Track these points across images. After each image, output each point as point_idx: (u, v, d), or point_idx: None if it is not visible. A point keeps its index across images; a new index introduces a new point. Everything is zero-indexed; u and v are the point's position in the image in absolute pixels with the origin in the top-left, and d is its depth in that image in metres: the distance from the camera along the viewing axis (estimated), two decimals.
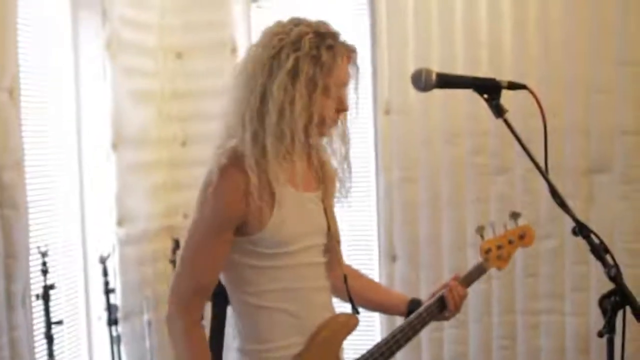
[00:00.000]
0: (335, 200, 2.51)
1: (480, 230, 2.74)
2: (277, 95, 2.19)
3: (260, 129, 2.22)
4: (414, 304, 2.71)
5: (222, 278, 2.38)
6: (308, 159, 2.42)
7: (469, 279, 2.71)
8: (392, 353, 2.57)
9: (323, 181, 2.45)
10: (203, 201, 2.31)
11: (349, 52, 2.29)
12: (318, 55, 2.21)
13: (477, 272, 2.72)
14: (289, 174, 2.29)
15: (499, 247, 2.73)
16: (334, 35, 2.27)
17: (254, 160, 2.21)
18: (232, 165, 2.23)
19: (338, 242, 2.48)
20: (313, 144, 2.39)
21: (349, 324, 2.42)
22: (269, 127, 2.20)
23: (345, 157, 2.45)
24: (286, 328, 2.34)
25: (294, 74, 2.20)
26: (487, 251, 2.73)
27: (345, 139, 2.43)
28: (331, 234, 2.44)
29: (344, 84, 2.29)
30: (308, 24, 2.26)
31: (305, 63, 2.20)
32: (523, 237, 2.76)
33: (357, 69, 2.33)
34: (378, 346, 2.56)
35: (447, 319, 2.70)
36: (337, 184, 2.47)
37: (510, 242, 2.75)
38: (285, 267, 2.31)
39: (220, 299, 2.44)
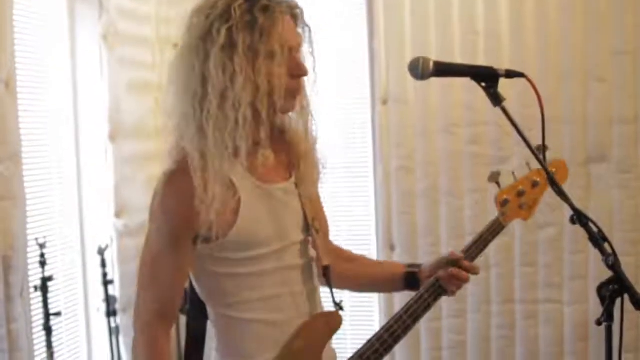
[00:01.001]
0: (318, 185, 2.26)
1: (494, 177, 2.37)
2: (215, 76, 1.98)
3: (204, 120, 2.00)
4: (410, 276, 2.42)
5: (200, 292, 2.17)
6: (275, 144, 2.12)
7: (479, 247, 2.37)
8: (395, 341, 2.34)
9: (298, 166, 2.18)
10: (152, 213, 2.13)
11: (291, 9, 2.06)
12: (252, 20, 1.98)
13: (492, 233, 2.37)
14: (251, 165, 2.06)
15: (520, 194, 2.37)
16: None
17: (197, 158, 2.00)
18: (178, 169, 2.05)
19: (324, 233, 2.26)
20: (277, 123, 2.15)
21: (329, 326, 2.17)
22: (212, 115, 1.98)
23: (307, 133, 2.17)
24: (269, 342, 2.11)
25: (229, 47, 1.98)
26: (504, 203, 2.36)
27: (304, 111, 2.16)
28: (311, 225, 2.18)
29: (292, 46, 2.04)
30: None
31: (239, 32, 1.98)
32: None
33: (308, 28, 2.11)
34: (377, 337, 2.28)
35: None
36: (318, 167, 2.22)
37: (534, 184, 2.37)
38: (261, 274, 2.09)
39: (197, 314, 2.21)
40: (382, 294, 4.30)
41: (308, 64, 2.09)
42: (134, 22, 4.44)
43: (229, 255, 2.06)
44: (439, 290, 2.34)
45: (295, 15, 2.08)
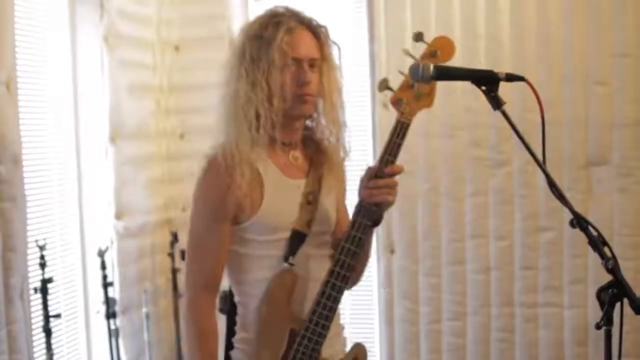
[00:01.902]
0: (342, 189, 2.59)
1: (384, 84, 2.33)
2: (230, 79, 2.38)
3: (230, 117, 2.38)
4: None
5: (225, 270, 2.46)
6: (297, 148, 2.47)
7: (392, 153, 2.28)
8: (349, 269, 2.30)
9: (322, 173, 2.49)
10: (195, 196, 2.44)
11: (302, 22, 2.36)
12: (261, 33, 2.32)
13: (399, 135, 2.29)
14: (278, 160, 2.41)
15: (411, 86, 2.27)
16: (290, 13, 2.37)
17: (231, 148, 2.33)
18: (215, 157, 2.37)
19: (324, 232, 2.46)
20: (304, 127, 2.48)
21: (285, 286, 2.36)
22: (232, 112, 2.36)
23: (340, 146, 2.51)
24: None
25: (241, 55, 2.35)
26: (398, 102, 2.28)
27: (336, 124, 2.46)
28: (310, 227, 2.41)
29: (297, 57, 2.32)
30: (276, 12, 2.38)
31: (249, 43, 2.34)
32: (435, 55, 2.26)
33: (332, 45, 2.41)
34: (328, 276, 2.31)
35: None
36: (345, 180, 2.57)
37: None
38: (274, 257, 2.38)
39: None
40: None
41: (329, 78, 2.39)
42: (135, 24, 4.44)
43: (255, 237, 2.37)
44: (364, 210, 2.30)
45: (313, 30, 2.38)
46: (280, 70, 2.31)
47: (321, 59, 2.38)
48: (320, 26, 2.40)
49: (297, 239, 2.37)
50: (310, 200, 2.42)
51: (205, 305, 2.43)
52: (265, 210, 2.34)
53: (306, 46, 2.34)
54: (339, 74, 2.44)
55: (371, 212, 2.29)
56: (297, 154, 2.46)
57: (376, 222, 2.33)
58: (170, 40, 4.66)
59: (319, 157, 2.50)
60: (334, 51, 2.43)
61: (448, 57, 2.24)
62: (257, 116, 2.31)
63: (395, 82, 2.34)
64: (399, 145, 2.28)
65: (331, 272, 2.28)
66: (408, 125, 2.28)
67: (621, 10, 3.97)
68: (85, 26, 4.12)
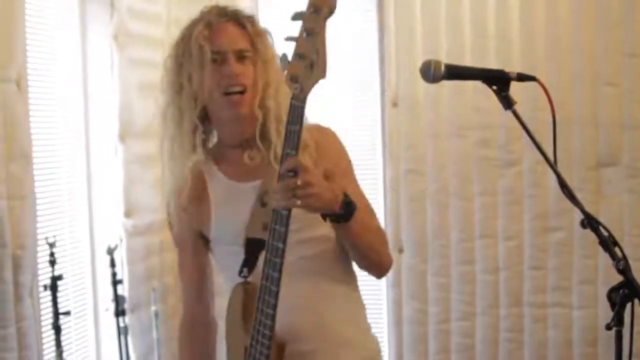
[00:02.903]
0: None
1: (284, 60, 1.95)
2: (162, 94, 2.37)
3: (166, 137, 2.37)
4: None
5: None
6: (254, 146, 2.24)
7: (288, 144, 1.95)
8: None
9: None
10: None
11: (224, 16, 2.23)
12: (182, 33, 2.28)
13: (293, 119, 1.94)
14: (226, 164, 2.31)
15: (301, 56, 1.92)
16: (212, 9, 2.26)
17: (172, 174, 2.33)
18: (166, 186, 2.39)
19: (295, 230, 2.08)
20: (241, 128, 2.25)
21: (237, 300, 2.27)
22: (169, 130, 2.33)
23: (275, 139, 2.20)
24: None
25: (165, 65, 2.32)
26: (294, 78, 1.92)
27: (276, 118, 2.20)
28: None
29: (214, 49, 2.17)
30: (201, 11, 2.29)
31: (173, 47, 2.29)
32: (318, 9, 1.91)
33: (259, 33, 2.23)
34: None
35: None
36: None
37: (308, 34, 1.92)
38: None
39: None
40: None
41: (265, 69, 2.19)
42: (145, 23, 4.44)
43: (216, 250, 2.36)
44: (275, 216, 2.00)
45: (239, 20, 2.23)
46: (200, 67, 2.16)
47: (253, 51, 2.19)
48: (248, 16, 2.25)
49: (253, 247, 2.19)
50: (266, 202, 2.15)
51: (188, 322, 2.54)
52: (216, 224, 2.28)
53: (228, 37, 2.19)
54: (276, 64, 2.14)
55: (283, 218, 1.97)
56: (254, 153, 2.24)
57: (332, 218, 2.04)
58: None
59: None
60: (268, 40, 2.24)
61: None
62: (193, 127, 2.24)
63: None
64: (297, 133, 1.93)
65: (264, 275, 2.03)
66: (302, 107, 1.92)
67: (631, 10, 3.97)
68: (95, 25, 4.13)
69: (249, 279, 2.23)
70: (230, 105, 2.18)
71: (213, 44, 2.16)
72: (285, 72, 1.93)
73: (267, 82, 2.18)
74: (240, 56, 2.18)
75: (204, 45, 2.15)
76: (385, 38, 4.29)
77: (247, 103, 2.17)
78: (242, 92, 2.17)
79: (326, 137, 2.28)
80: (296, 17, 1.89)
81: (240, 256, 2.23)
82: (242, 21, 2.22)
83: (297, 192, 1.90)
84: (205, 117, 2.28)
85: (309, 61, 1.89)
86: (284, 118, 2.02)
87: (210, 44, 2.16)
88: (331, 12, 1.88)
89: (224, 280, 2.38)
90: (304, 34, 1.89)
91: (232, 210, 2.25)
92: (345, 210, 2.03)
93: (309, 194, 1.92)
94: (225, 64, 2.16)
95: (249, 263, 2.23)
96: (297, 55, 1.90)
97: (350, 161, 2.35)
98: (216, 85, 2.17)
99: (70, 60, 4.05)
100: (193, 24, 2.21)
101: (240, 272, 2.24)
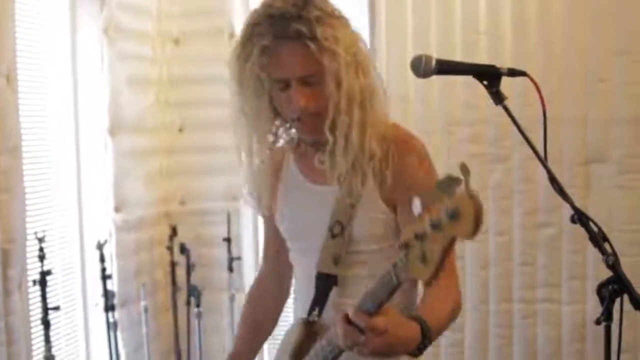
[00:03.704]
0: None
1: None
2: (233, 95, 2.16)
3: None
4: None
5: None
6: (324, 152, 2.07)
7: (371, 300, 1.71)
8: None
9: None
10: None
11: (281, 37, 1.94)
12: (239, 52, 2.05)
13: (386, 290, 1.69)
14: (304, 163, 2.19)
15: (420, 237, 1.50)
16: (266, 22, 1.97)
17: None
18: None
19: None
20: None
21: (293, 334, 2.16)
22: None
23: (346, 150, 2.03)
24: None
25: (230, 76, 2.12)
26: (406, 245, 1.55)
27: (347, 138, 2.01)
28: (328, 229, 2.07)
29: (275, 77, 1.99)
30: (253, 22, 2.02)
31: (233, 60, 2.08)
32: (456, 217, 1.41)
33: (324, 44, 1.93)
34: None
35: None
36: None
37: (434, 226, 1.46)
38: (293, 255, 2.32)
39: None
40: None
41: (335, 85, 1.95)
42: (135, 17, 4.44)
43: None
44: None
45: (299, 38, 1.93)
46: (257, 98, 2.04)
47: (321, 69, 1.94)
48: (310, 28, 1.93)
49: (323, 284, 2.10)
50: (336, 233, 2.07)
51: (261, 275, 2.51)
52: (282, 219, 2.24)
53: (289, 64, 1.96)
54: (352, 70, 1.98)
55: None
56: (322, 158, 2.08)
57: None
58: (170, 34, 4.65)
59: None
60: (337, 49, 1.94)
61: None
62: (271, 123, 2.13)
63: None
64: (381, 300, 1.69)
65: None
66: (395, 286, 1.66)
67: (623, 7, 3.96)
68: (85, 19, 4.12)
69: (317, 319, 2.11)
70: (302, 130, 2.08)
71: (273, 72, 1.98)
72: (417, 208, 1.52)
73: (338, 100, 1.96)
74: (307, 81, 1.97)
75: (261, 75, 1.99)
76: (376, 33, 4.28)
77: (318, 125, 2.00)
78: (314, 115, 2.00)
79: (408, 157, 2.06)
80: (441, 188, 1.47)
81: (308, 254, 2.16)
82: (304, 41, 1.92)
83: (362, 349, 1.72)
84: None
85: (423, 253, 1.51)
86: (355, 139, 1.98)
87: (270, 72, 1.98)
88: (467, 237, 1.42)
89: (295, 275, 2.34)
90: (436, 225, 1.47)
91: (298, 209, 2.20)
92: (423, 344, 1.81)
93: (373, 354, 1.73)
94: (290, 89, 1.98)
95: (319, 302, 2.11)
96: (419, 235, 1.51)
97: (433, 179, 2.06)
98: (286, 110, 2.04)
99: (60, 54, 4.04)
100: (249, 41, 1.99)
101: (310, 312, 2.11)
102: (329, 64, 1.93)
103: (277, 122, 2.14)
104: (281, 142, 2.20)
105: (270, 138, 2.17)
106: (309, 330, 2.11)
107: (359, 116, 1.98)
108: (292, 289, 2.42)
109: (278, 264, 2.41)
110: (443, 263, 1.47)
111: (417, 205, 1.51)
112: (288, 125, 2.15)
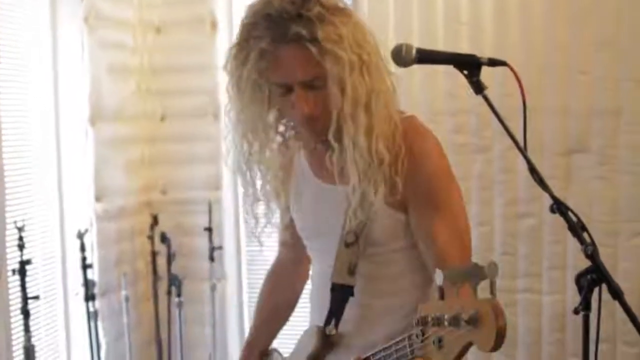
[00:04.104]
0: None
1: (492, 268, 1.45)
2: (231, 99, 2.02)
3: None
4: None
5: None
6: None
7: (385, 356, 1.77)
8: None
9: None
10: None
11: (280, 41, 1.84)
12: (236, 53, 1.94)
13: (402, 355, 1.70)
14: (315, 160, 2.10)
15: (437, 322, 1.49)
16: (264, 24, 1.86)
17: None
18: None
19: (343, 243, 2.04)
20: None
21: (308, 344, 2.13)
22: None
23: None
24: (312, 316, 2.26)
25: (229, 77, 2.00)
26: (424, 321, 1.53)
27: (355, 142, 1.93)
28: (342, 237, 2.03)
29: (276, 82, 1.91)
30: (250, 22, 1.91)
31: (231, 60, 1.96)
32: (475, 324, 1.41)
33: (326, 47, 1.83)
34: None
35: None
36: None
37: (452, 322, 1.45)
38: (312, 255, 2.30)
39: None
40: None
41: (337, 89, 1.87)
42: (116, 5, 4.42)
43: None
44: None
45: (299, 41, 1.83)
46: (267, 98, 1.95)
47: (324, 72, 1.86)
48: (310, 30, 1.83)
49: (339, 296, 2.06)
50: (350, 242, 2.03)
51: (279, 260, 2.47)
52: (296, 217, 2.20)
53: (290, 68, 1.87)
54: (356, 69, 1.89)
55: None
56: (333, 157, 1.97)
57: None
58: (152, 22, 4.63)
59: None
60: (338, 50, 1.85)
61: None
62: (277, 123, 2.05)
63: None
64: None
65: None
66: (411, 359, 1.66)
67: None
68: (65, 7, 4.09)
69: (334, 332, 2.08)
70: (308, 135, 2.02)
71: (274, 77, 1.89)
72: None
73: (342, 104, 1.88)
74: (310, 85, 1.88)
75: (259, 81, 1.91)
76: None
77: (323, 131, 1.93)
78: (318, 119, 1.92)
79: (420, 160, 2.00)
80: (466, 274, 1.46)
81: (323, 254, 2.13)
82: (304, 43, 1.83)
83: None
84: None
85: (440, 340, 1.49)
86: (362, 143, 1.90)
87: (270, 76, 1.90)
88: (484, 350, 1.43)
89: (312, 271, 2.33)
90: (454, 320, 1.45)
91: (311, 209, 2.14)
92: None
93: None
94: (292, 94, 1.89)
95: (335, 314, 2.07)
96: (436, 321, 1.49)
97: (451, 189, 2.07)
98: (289, 115, 1.98)
99: (41, 42, 4.02)
100: (247, 44, 1.89)
101: (326, 325, 2.08)
102: (331, 67, 1.84)
103: (283, 122, 2.08)
104: (290, 139, 2.13)
105: (279, 138, 2.10)
106: (325, 341, 2.08)
107: (365, 120, 1.90)
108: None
109: (294, 249, 2.36)
110: (461, 359, 1.48)
111: (439, 277, 1.51)
112: (292, 124, 2.09)
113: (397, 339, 1.70)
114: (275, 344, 2.45)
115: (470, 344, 1.45)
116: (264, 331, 2.44)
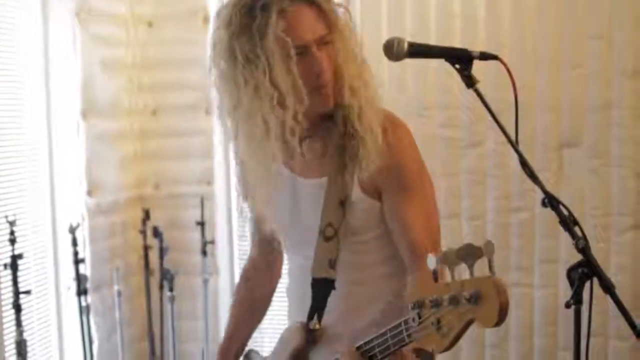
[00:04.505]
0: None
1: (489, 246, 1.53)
2: (229, 90, 1.96)
3: (244, 136, 2.02)
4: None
5: None
6: (315, 135, 2.05)
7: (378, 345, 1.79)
8: None
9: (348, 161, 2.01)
10: None
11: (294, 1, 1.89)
12: (248, 23, 1.89)
13: (396, 338, 1.73)
14: (291, 156, 2.06)
15: (436, 304, 1.54)
16: None
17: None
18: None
19: (326, 237, 2.04)
20: (316, 120, 2.02)
21: (291, 341, 2.13)
22: (246, 129, 1.98)
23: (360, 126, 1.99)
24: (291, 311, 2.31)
25: (230, 58, 1.93)
26: (419, 304, 1.58)
27: (354, 101, 1.98)
28: (322, 230, 2.04)
29: (302, 43, 1.91)
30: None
31: (236, 39, 1.91)
32: (477, 302, 1.47)
33: (332, 7, 1.96)
34: None
35: None
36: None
37: (452, 301, 1.50)
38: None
39: None
40: None
41: (345, 49, 1.97)
42: (108, 0, 4.40)
43: None
44: None
45: (313, 2, 1.93)
46: (285, 65, 1.89)
47: (331, 33, 1.95)
48: None
49: (320, 289, 2.08)
50: (329, 236, 2.04)
51: (252, 259, 2.42)
52: (273, 217, 2.18)
53: (309, 26, 1.92)
54: (354, 40, 2.03)
55: None
56: (315, 145, 2.04)
57: None
58: (144, 16, 4.61)
59: (346, 143, 2.01)
60: (341, 13, 2.00)
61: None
62: (267, 126, 1.93)
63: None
64: (389, 353, 1.78)
65: None
66: (405, 341, 1.70)
67: None
68: (57, 1, 4.07)
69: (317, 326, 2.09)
70: (320, 102, 1.96)
71: (296, 38, 1.89)
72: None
73: (348, 66, 1.98)
74: (322, 43, 1.94)
75: (287, 41, 1.87)
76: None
77: (334, 93, 1.97)
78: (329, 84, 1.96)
79: (396, 138, 2.05)
80: (460, 255, 1.51)
81: (301, 249, 2.15)
82: (314, 0, 1.93)
83: None
84: None
85: (439, 322, 1.54)
86: (366, 110, 1.97)
87: (293, 38, 1.88)
88: (487, 326, 1.48)
89: (290, 268, 2.32)
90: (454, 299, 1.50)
91: (288, 204, 2.14)
92: None
93: None
94: (309, 57, 1.91)
95: (317, 308, 2.09)
96: (435, 302, 1.53)
97: (423, 175, 2.13)
98: (308, 83, 1.92)
99: (32, 37, 4.00)
100: (262, 14, 1.88)
101: (309, 319, 2.09)
102: (338, 25, 1.97)
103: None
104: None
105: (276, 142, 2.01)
106: (309, 336, 2.09)
107: (364, 91, 2.00)
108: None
109: (266, 250, 2.36)
110: (460, 338, 1.52)
111: (432, 261, 1.53)
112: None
113: (392, 325, 1.72)
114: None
115: (471, 322, 1.48)
116: (242, 327, 2.43)
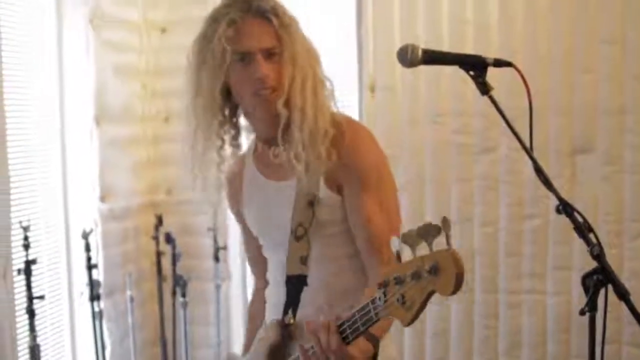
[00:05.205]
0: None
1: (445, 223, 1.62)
2: (186, 90, 2.26)
3: (198, 131, 2.32)
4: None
5: None
6: (280, 143, 2.13)
7: (349, 324, 1.84)
8: None
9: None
10: None
11: (248, 11, 2.09)
12: (204, 31, 2.17)
13: (363, 320, 1.80)
14: (260, 159, 2.27)
15: (399, 281, 1.65)
16: (235, 3, 2.12)
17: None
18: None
19: (298, 237, 2.15)
20: (271, 124, 2.13)
21: (268, 338, 2.19)
22: (198, 126, 2.28)
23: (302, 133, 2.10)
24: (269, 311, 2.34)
25: (188, 60, 2.23)
26: (385, 284, 1.69)
27: (304, 115, 2.10)
28: (293, 230, 2.16)
29: (240, 50, 2.07)
30: (223, 4, 2.18)
31: (195, 44, 2.21)
32: (436, 273, 1.58)
33: (286, 25, 2.10)
34: None
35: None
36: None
37: (414, 276, 1.63)
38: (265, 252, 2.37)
39: None
40: None
41: (293, 65, 2.08)
42: (121, 6, 4.42)
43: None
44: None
45: (264, 14, 2.09)
46: (226, 70, 2.09)
47: (280, 46, 2.08)
48: (272, 7, 2.10)
49: (294, 286, 2.18)
50: (300, 235, 2.16)
51: (258, 297, 2.47)
52: (248, 220, 2.33)
53: (255, 35, 2.07)
54: (304, 55, 2.12)
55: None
56: (279, 151, 2.14)
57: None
58: (157, 22, 4.63)
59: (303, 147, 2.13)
60: (294, 31, 2.11)
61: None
62: (221, 125, 2.20)
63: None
64: (358, 331, 1.83)
65: None
66: (375, 322, 1.78)
67: None
68: (71, 7, 4.09)
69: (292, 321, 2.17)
70: (261, 106, 2.10)
71: (238, 45, 2.06)
72: (390, 273, 1.67)
73: (294, 76, 2.08)
74: (270, 54, 2.08)
75: (228, 48, 2.06)
76: (363, 23, 4.27)
77: (276, 101, 2.08)
78: (272, 91, 2.09)
79: (353, 139, 2.14)
80: (420, 233, 1.63)
81: (276, 249, 2.25)
82: (267, 15, 2.08)
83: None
84: (234, 111, 2.25)
85: (403, 297, 1.65)
86: (309, 113, 2.07)
87: (235, 44, 2.06)
88: (444, 295, 1.58)
89: (269, 270, 2.37)
90: (417, 274, 1.61)
91: (261, 207, 2.27)
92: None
93: None
94: (253, 64, 2.06)
95: (291, 304, 2.18)
96: (398, 279, 1.65)
97: (382, 172, 2.20)
98: (246, 87, 2.09)
99: (46, 43, 4.02)
100: (215, 21, 2.12)
101: (285, 314, 2.17)
102: (289, 41, 2.08)
103: (224, 130, 2.23)
104: (237, 153, 2.30)
105: (216, 159, 2.25)
106: (285, 332, 2.16)
107: (311, 96, 2.09)
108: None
109: (264, 266, 2.41)
110: (423, 310, 1.64)
111: (395, 243, 1.66)
112: (233, 133, 2.25)
113: (360, 306, 1.80)
114: None
115: (432, 293, 1.60)
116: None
